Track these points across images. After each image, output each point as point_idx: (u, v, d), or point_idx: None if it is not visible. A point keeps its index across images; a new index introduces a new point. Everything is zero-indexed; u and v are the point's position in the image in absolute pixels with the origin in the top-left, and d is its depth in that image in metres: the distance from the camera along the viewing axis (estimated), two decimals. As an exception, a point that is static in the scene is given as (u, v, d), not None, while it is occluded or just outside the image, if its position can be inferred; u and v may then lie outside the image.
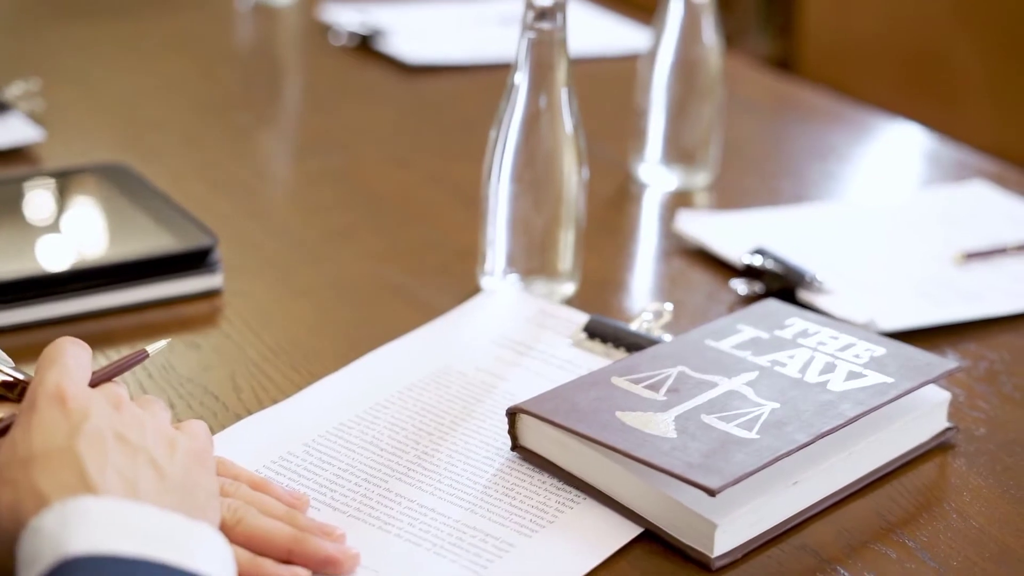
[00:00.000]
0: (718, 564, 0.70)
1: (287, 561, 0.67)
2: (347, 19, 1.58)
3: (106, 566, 0.57)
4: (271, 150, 1.31)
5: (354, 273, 1.02)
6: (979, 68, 1.95)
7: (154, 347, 0.75)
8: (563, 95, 0.94)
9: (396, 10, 1.64)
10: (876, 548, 0.73)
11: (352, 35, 1.54)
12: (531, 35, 0.93)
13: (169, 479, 0.64)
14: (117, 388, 0.70)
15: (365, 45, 1.54)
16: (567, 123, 0.95)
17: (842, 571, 0.71)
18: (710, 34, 1.17)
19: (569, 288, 0.98)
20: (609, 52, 1.57)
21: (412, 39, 1.53)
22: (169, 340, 0.76)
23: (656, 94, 1.18)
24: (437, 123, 1.37)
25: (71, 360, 0.68)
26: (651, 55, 1.18)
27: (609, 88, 1.43)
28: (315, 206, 1.15)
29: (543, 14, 0.93)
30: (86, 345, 0.70)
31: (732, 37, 1.39)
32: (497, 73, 1.50)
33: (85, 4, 1.67)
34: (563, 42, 0.94)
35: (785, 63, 2.15)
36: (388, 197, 1.17)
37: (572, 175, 0.96)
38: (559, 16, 0.93)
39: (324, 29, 1.60)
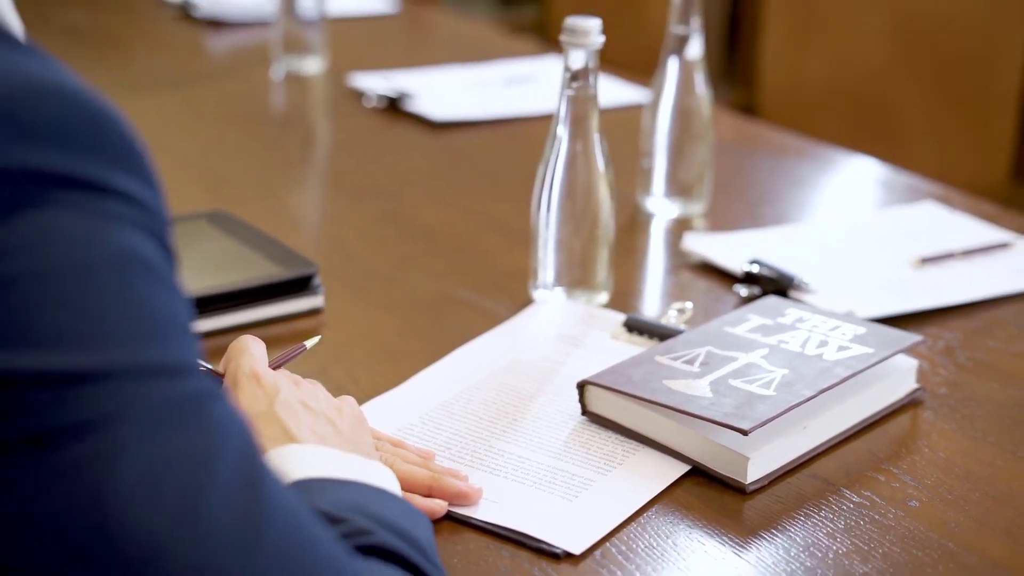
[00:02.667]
0: (750, 488, 0.93)
1: (428, 495, 0.89)
2: (375, 84, 1.81)
3: (318, 485, 0.78)
4: (331, 197, 1.52)
5: (425, 291, 1.24)
6: (919, 108, 2.20)
7: (310, 342, 0.96)
8: (596, 140, 1.17)
9: (415, 75, 1.87)
10: (869, 474, 0.95)
11: (382, 98, 1.77)
12: (569, 93, 1.16)
13: (343, 433, 0.85)
14: (290, 372, 0.91)
15: (394, 106, 1.76)
16: (600, 163, 1.17)
17: (845, 491, 0.93)
18: (702, 87, 1.41)
19: (604, 296, 1.21)
20: (609, 105, 1.80)
21: (434, 100, 1.76)
22: (320, 336, 0.98)
23: (659, 138, 1.41)
24: (465, 169, 1.60)
25: (256, 351, 0.90)
26: (653, 105, 1.41)
27: (612, 135, 1.66)
28: (379, 240, 1.37)
29: (577, 77, 1.16)
30: (261, 340, 0.92)
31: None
32: (509, 125, 1.74)
33: (146, 79, 1.88)
34: (594, 98, 1.17)
35: (749, 108, 2.40)
36: (437, 231, 1.39)
37: (605, 205, 1.18)
38: (591, 78, 1.16)
39: (352, 93, 1.82)
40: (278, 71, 1.91)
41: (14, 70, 0.55)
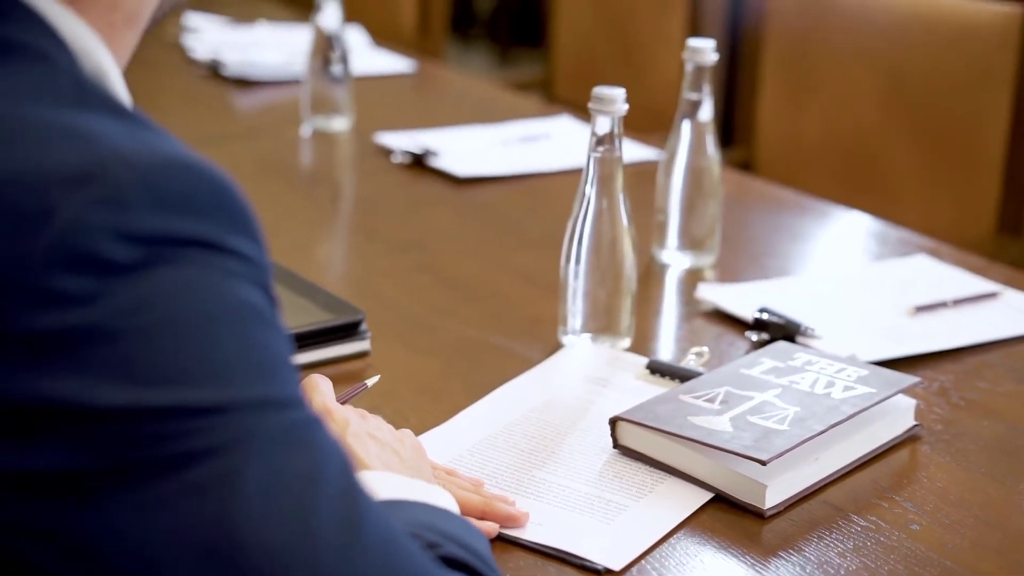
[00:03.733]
0: (768, 513, 1.03)
1: (481, 519, 0.99)
2: (399, 142, 1.92)
3: (388, 506, 0.88)
4: (366, 249, 1.63)
5: (461, 336, 1.35)
6: (908, 164, 2.32)
7: (371, 381, 1.07)
8: (620, 198, 1.28)
9: (437, 133, 1.98)
10: (874, 501, 1.06)
11: (407, 154, 1.88)
12: (596, 155, 1.27)
13: (406, 461, 0.96)
14: (355, 407, 1.02)
15: (419, 163, 1.87)
16: (624, 219, 1.29)
17: (853, 516, 1.04)
18: (712, 148, 1.52)
19: (627, 341, 1.32)
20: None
21: (456, 156, 1.88)
22: (379, 376, 1.08)
23: (673, 195, 1.53)
24: (489, 223, 1.71)
25: (326, 388, 1.00)
26: (667, 165, 1.53)
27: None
28: (415, 289, 1.48)
29: (602, 141, 1.27)
30: (328, 379, 1.02)
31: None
32: (528, 181, 1.85)
33: (177, 136, 1.99)
34: (619, 160, 1.28)
35: (746, 165, 2.51)
36: (468, 281, 1.50)
37: (628, 258, 1.29)
38: (616, 141, 1.27)
39: (377, 150, 1.94)
40: (307, 129, 2.02)
41: (146, 147, 0.66)
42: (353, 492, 0.68)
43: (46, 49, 0.71)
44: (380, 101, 2.23)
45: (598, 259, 1.29)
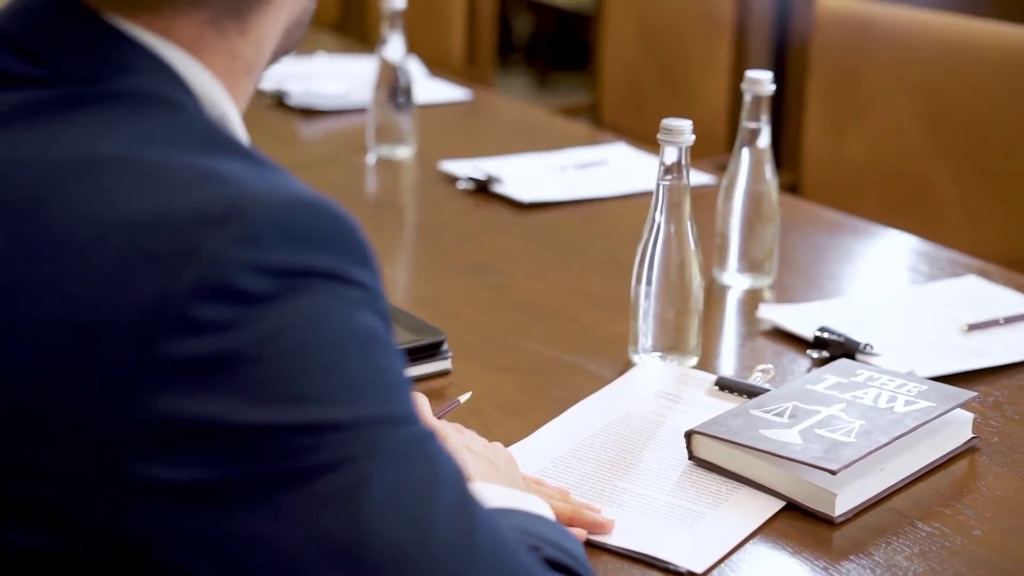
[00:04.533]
0: (838, 520, 1.10)
1: (569, 526, 1.06)
2: (462, 169, 2.00)
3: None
4: (438, 272, 1.70)
5: (536, 356, 1.42)
6: (952, 188, 2.38)
7: (463, 397, 1.14)
8: (687, 223, 1.35)
9: (498, 161, 2.06)
10: (937, 509, 1.12)
11: (472, 181, 1.96)
12: (664, 183, 1.35)
13: (501, 472, 1.03)
14: (450, 422, 1.09)
15: (483, 189, 1.95)
16: (691, 243, 1.36)
17: (917, 522, 1.10)
18: (770, 173, 1.59)
19: (694, 359, 1.39)
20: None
21: (518, 183, 1.95)
22: (471, 393, 1.15)
23: (733, 220, 1.60)
24: (553, 246, 1.78)
25: (423, 405, 1.08)
26: (728, 190, 1.60)
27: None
28: (489, 311, 1.55)
29: (670, 170, 1.35)
30: (424, 395, 1.10)
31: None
32: (588, 206, 1.92)
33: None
34: (686, 188, 1.35)
35: (793, 188, 2.58)
36: (537, 302, 1.57)
37: (695, 280, 1.36)
38: (683, 170, 1.35)
39: (440, 177, 2.02)
40: (372, 157, 2.11)
41: (275, 188, 0.74)
42: (466, 500, 0.75)
43: (178, 98, 0.79)
44: (439, 129, 2.31)
45: (667, 281, 1.36)
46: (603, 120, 3.11)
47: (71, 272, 0.70)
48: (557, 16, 6.13)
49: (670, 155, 1.34)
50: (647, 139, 2.64)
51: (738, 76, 2.75)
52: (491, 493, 0.97)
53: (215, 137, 0.77)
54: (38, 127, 0.76)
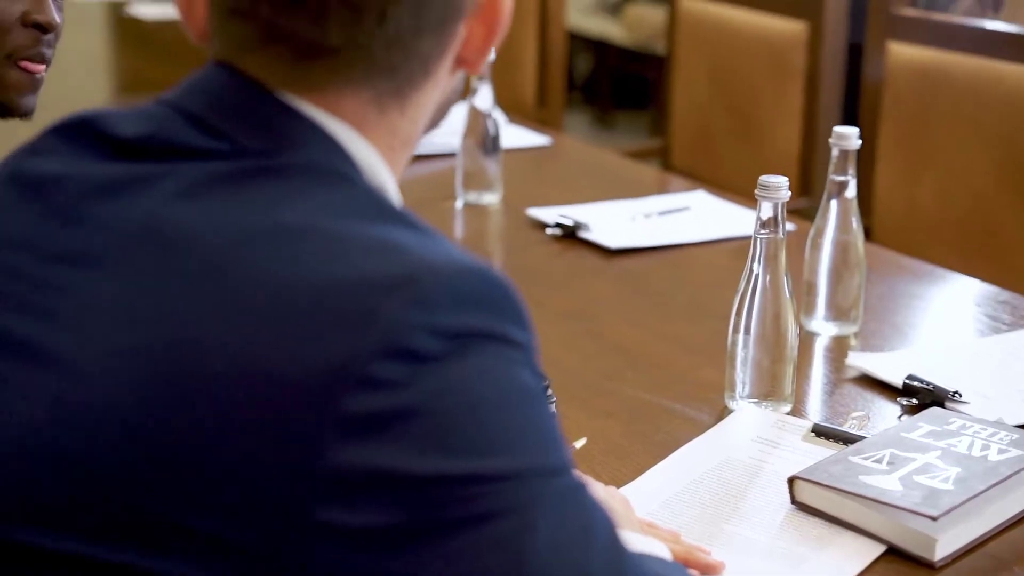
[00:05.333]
0: (938, 564, 1.15)
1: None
2: (548, 215, 2.07)
3: None
4: (535, 317, 1.76)
5: (635, 400, 1.48)
6: (1023, 234, 2.41)
7: (578, 444, 1.20)
8: (783, 275, 1.41)
9: (583, 208, 2.12)
10: (1032, 554, 1.17)
11: (560, 227, 2.02)
12: (761, 236, 1.41)
13: (619, 514, 1.09)
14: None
15: (570, 234, 2.02)
16: (786, 293, 1.41)
17: (1015, 568, 1.15)
18: (857, 223, 1.65)
19: (788, 406, 1.44)
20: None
21: (604, 229, 2.02)
22: (585, 439, 1.21)
23: (821, 269, 1.65)
24: (642, 292, 1.84)
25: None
26: (816, 240, 1.65)
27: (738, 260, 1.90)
28: (586, 356, 1.61)
29: (766, 224, 1.41)
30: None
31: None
32: (673, 252, 1.98)
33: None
34: (782, 241, 1.41)
35: (865, 233, 2.62)
36: (632, 348, 1.63)
37: (790, 329, 1.42)
38: (779, 224, 1.40)
39: (528, 222, 2.08)
40: (460, 202, 2.18)
41: (442, 255, 0.80)
42: (617, 545, 0.81)
43: (346, 171, 0.86)
44: (521, 174, 2.38)
45: (763, 330, 1.41)
46: (673, 163, 3.17)
47: (259, 332, 0.77)
48: (618, 54, 6.20)
49: (767, 210, 1.40)
50: (718, 183, 2.71)
51: (810, 122, 2.82)
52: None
53: (382, 207, 0.84)
54: (222, 197, 0.83)
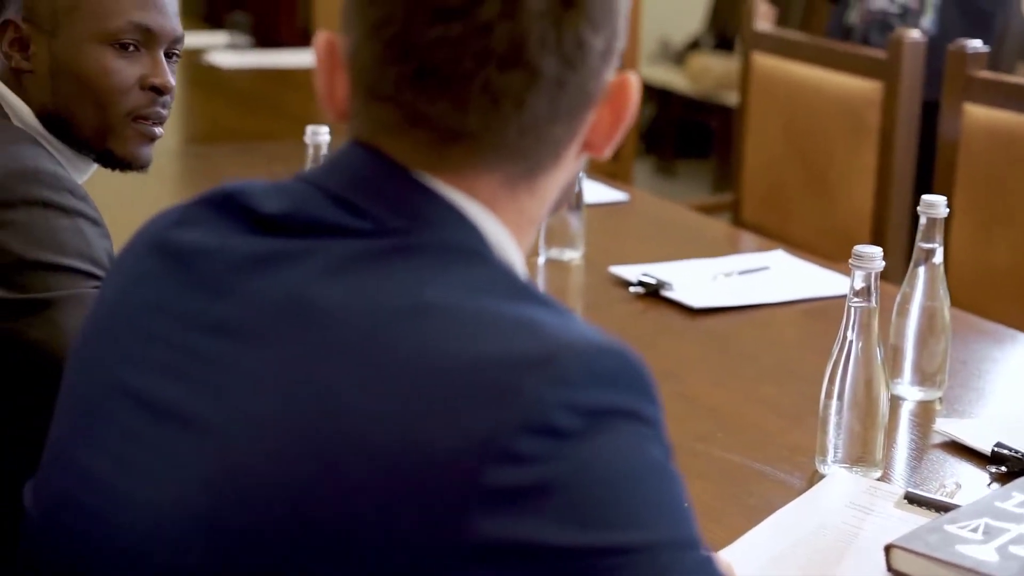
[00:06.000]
0: (1036, 635, 1.17)
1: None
2: (632, 273, 2.10)
3: None
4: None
5: (726, 462, 1.50)
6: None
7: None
8: (875, 342, 1.44)
9: (664, 266, 2.16)
10: None
11: (643, 285, 2.06)
12: (854, 304, 1.43)
13: None
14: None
15: (652, 293, 2.05)
16: (878, 360, 1.44)
17: (1112, 640, 1.17)
18: (943, 290, 1.67)
19: (879, 471, 1.46)
20: (824, 295, 2.07)
21: (686, 287, 2.05)
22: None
23: (908, 334, 1.67)
24: (727, 352, 1.87)
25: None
26: (903, 305, 1.67)
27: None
28: (677, 417, 1.58)
29: (859, 293, 1.43)
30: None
31: (891, 275, 1.87)
32: (755, 311, 2.00)
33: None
34: (875, 310, 1.43)
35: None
36: (719, 408, 1.66)
37: (883, 396, 1.44)
38: (872, 293, 1.43)
39: (609, 280, 2.12)
40: (542, 259, 2.22)
41: (577, 333, 0.84)
42: None
43: (481, 249, 0.91)
44: (600, 230, 2.41)
45: (856, 397, 1.44)
46: (743, 217, 3.20)
47: (405, 405, 0.81)
48: (681, 103, 6.24)
49: (860, 280, 1.43)
50: (789, 239, 2.73)
51: (883, 180, 2.83)
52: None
53: (516, 285, 0.88)
54: (367, 274, 0.87)
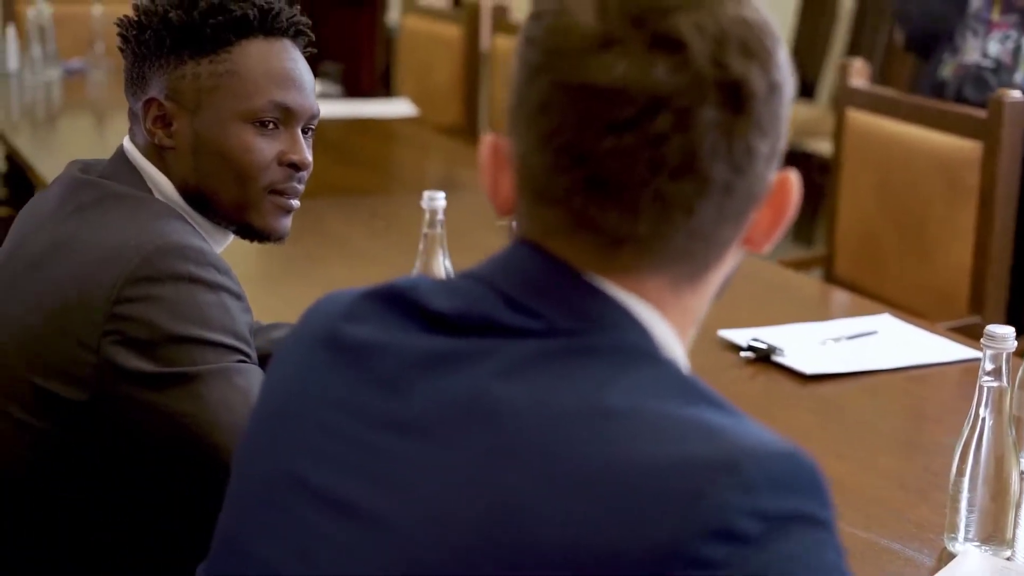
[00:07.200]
0: None
1: None
2: (742, 337, 2.11)
3: None
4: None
5: (854, 538, 1.50)
6: None
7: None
8: (1007, 420, 1.44)
9: (773, 330, 2.16)
10: None
11: (753, 351, 2.06)
12: (986, 383, 1.43)
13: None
14: None
15: (763, 359, 2.05)
16: (1010, 438, 1.44)
17: None
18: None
19: (1010, 550, 1.46)
20: (941, 360, 2.07)
21: (797, 353, 2.05)
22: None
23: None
24: (843, 421, 1.87)
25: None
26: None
27: (944, 387, 1.93)
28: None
29: (991, 373, 1.43)
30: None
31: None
32: (868, 378, 2.00)
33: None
34: (1006, 389, 1.43)
35: None
36: (841, 480, 1.66)
37: (1014, 473, 1.44)
38: (1004, 373, 1.43)
39: (717, 343, 2.13)
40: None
41: (756, 438, 0.85)
42: None
43: (651, 350, 0.92)
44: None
45: (987, 474, 1.44)
46: (836, 273, 3.19)
47: (588, 507, 0.83)
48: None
49: (992, 360, 1.43)
50: (884, 297, 2.73)
51: (982, 239, 2.82)
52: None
53: (688, 386, 0.90)
54: (543, 376, 0.89)
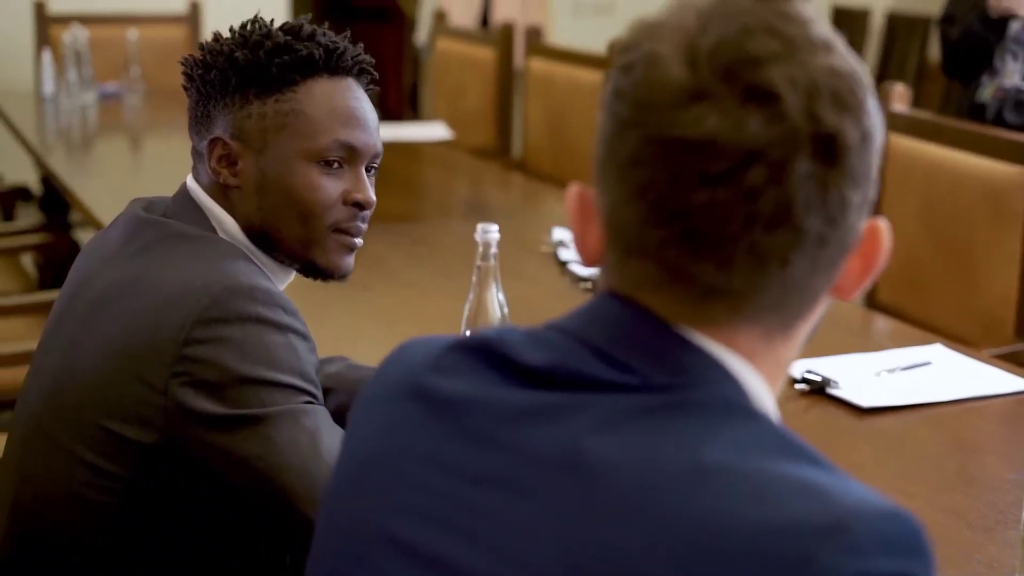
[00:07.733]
0: None
1: None
2: (796, 369, 2.09)
3: None
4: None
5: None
6: None
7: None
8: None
9: (825, 361, 2.15)
10: None
11: (807, 382, 2.05)
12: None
13: None
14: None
15: (818, 391, 2.04)
16: (1083, 481, 1.43)
17: None
18: None
19: (1082, 592, 1.45)
20: (997, 392, 2.05)
21: (852, 385, 2.04)
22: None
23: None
24: (903, 456, 1.85)
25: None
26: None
27: (1002, 419, 1.91)
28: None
29: None
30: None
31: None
32: (925, 411, 1.99)
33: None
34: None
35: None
36: (904, 519, 1.65)
37: (1087, 515, 1.43)
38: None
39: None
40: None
41: (861, 499, 0.84)
42: None
43: (746, 404, 0.91)
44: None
45: (1059, 517, 1.43)
46: (879, 298, 3.17)
47: (689, 570, 0.82)
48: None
49: (1065, 397, 1.42)
50: (927, 323, 2.71)
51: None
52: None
53: (786, 442, 0.89)
54: (637, 432, 0.88)
